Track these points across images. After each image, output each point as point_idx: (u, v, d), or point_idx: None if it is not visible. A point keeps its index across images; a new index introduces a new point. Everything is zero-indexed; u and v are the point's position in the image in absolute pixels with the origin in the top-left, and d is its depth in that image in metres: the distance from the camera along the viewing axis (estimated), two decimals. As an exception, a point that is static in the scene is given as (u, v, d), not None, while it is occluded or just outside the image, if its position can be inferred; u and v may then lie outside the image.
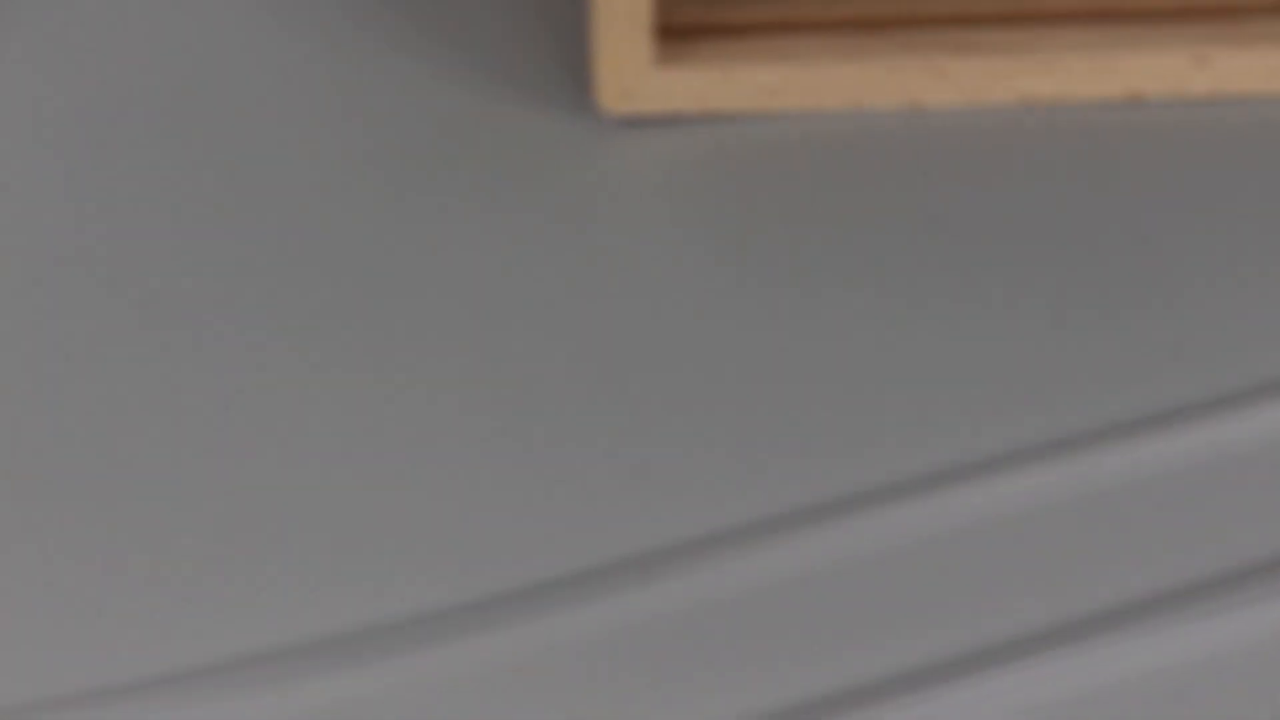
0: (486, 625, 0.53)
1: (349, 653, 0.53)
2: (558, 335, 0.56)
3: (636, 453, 0.54)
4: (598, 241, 0.58)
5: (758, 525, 0.54)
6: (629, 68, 0.58)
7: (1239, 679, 0.50)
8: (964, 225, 0.58)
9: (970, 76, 0.59)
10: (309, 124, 0.61)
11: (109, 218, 0.60)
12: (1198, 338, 0.56)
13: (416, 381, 0.56)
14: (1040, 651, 0.51)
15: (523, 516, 0.53)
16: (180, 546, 0.53)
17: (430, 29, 0.63)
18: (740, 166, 0.59)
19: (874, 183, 0.59)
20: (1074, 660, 0.51)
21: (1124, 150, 0.59)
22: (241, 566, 0.52)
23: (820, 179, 0.59)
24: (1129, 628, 0.51)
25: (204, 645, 0.51)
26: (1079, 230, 0.58)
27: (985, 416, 0.54)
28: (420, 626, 0.52)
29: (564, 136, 0.59)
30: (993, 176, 0.59)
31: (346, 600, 0.53)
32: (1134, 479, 0.54)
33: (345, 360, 0.56)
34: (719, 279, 0.57)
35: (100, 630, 0.52)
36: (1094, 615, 0.52)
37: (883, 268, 0.57)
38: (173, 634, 0.51)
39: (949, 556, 0.52)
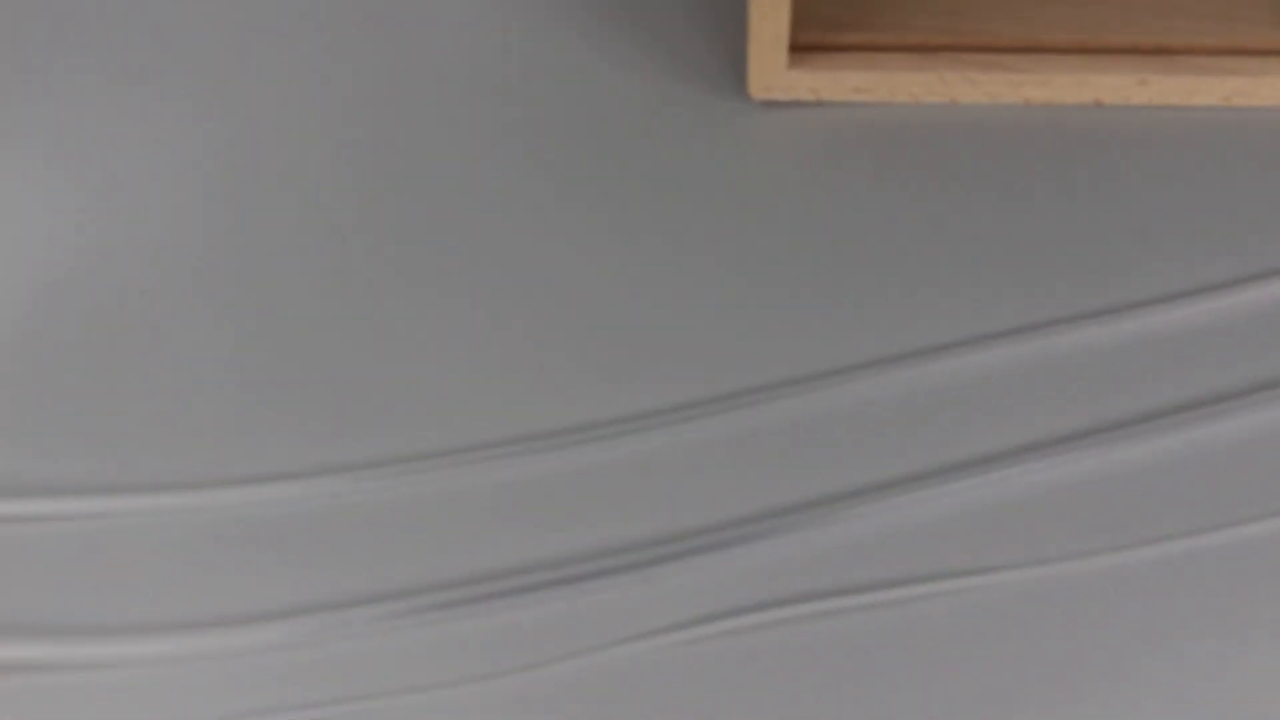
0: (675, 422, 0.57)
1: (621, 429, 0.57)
2: (712, 232, 0.61)
3: (771, 311, 0.59)
4: (745, 178, 0.63)
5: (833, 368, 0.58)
6: (769, 70, 0.62)
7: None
8: (981, 176, 0.62)
9: (992, 85, 0.63)
10: (544, 99, 0.65)
11: (423, 157, 0.64)
12: (1132, 246, 0.60)
13: (626, 264, 0.60)
14: (1010, 466, 0.55)
15: (691, 347, 0.58)
16: (540, 337, 0.58)
17: (641, 40, 0.66)
18: (838, 135, 0.63)
19: (923, 149, 0.63)
20: (1040, 469, 0.55)
21: (1088, 136, 0.63)
22: (569, 361, 0.58)
23: (889, 145, 0.63)
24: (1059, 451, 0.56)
25: (542, 414, 0.57)
26: (1054, 182, 0.62)
27: (992, 299, 0.59)
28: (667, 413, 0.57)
29: (725, 112, 0.64)
30: (1002, 149, 0.63)
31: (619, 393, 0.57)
32: (1076, 353, 0.58)
33: (553, 261, 0.61)
34: (820, 200, 0.62)
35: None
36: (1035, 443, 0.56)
37: (924, 199, 0.62)
38: (524, 401, 0.57)
39: (963, 401, 0.57)
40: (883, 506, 0.54)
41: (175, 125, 0.64)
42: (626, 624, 0.52)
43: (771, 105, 0.64)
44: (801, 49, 0.63)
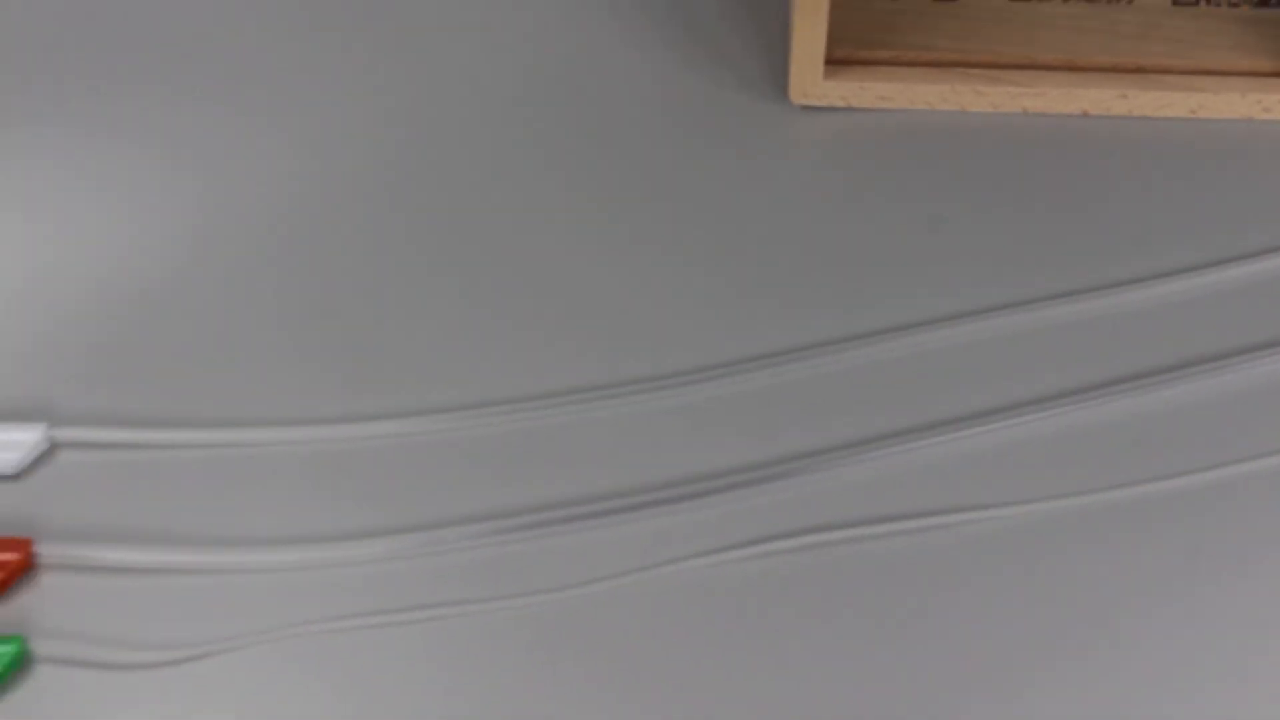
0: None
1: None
2: (758, 214, 0.61)
3: (793, 284, 0.59)
4: (785, 171, 0.63)
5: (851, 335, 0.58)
6: (808, 80, 0.64)
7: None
8: (985, 173, 0.63)
9: (995, 96, 0.64)
10: (614, 101, 0.66)
11: (513, 144, 0.65)
12: (1112, 234, 0.60)
13: (684, 238, 0.61)
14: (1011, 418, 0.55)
15: (721, 321, 0.58)
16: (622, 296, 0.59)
17: (698, 54, 0.67)
18: (865, 136, 0.64)
19: (935, 148, 0.64)
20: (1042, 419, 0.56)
21: (1076, 141, 0.64)
22: (628, 335, 0.58)
23: (907, 145, 0.64)
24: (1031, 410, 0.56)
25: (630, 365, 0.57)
26: (1046, 179, 0.62)
27: (994, 276, 0.59)
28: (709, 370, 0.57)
29: (770, 114, 0.65)
30: (1003, 150, 0.63)
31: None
32: (1035, 329, 0.58)
33: (627, 234, 0.61)
34: (849, 189, 0.62)
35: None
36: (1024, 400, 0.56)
37: (936, 190, 0.62)
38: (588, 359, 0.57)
39: (965, 361, 0.58)
40: (903, 449, 0.55)
41: (267, 130, 0.65)
42: (682, 545, 0.53)
43: (809, 110, 0.65)
44: (835, 63, 0.65)
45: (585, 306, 0.59)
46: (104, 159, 0.64)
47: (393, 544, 0.53)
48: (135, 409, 0.56)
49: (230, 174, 0.64)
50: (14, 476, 0.54)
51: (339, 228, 0.62)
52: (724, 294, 0.59)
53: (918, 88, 0.64)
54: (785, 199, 0.62)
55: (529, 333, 0.58)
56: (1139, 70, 0.64)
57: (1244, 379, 0.56)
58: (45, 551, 0.52)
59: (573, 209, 0.62)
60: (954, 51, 0.64)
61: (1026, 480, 0.54)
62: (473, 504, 0.54)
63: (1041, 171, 0.63)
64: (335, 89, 0.67)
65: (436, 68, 0.67)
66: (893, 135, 0.64)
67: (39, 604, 0.52)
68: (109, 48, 0.68)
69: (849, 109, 0.65)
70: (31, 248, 0.61)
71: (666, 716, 0.49)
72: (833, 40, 0.63)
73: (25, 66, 0.67)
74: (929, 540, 0.53)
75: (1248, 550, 0.52)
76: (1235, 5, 0.64)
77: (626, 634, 0.51)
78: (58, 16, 0.69)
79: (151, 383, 0.57)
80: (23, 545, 0.52)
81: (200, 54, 0.68)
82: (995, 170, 0.63)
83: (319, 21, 0.69)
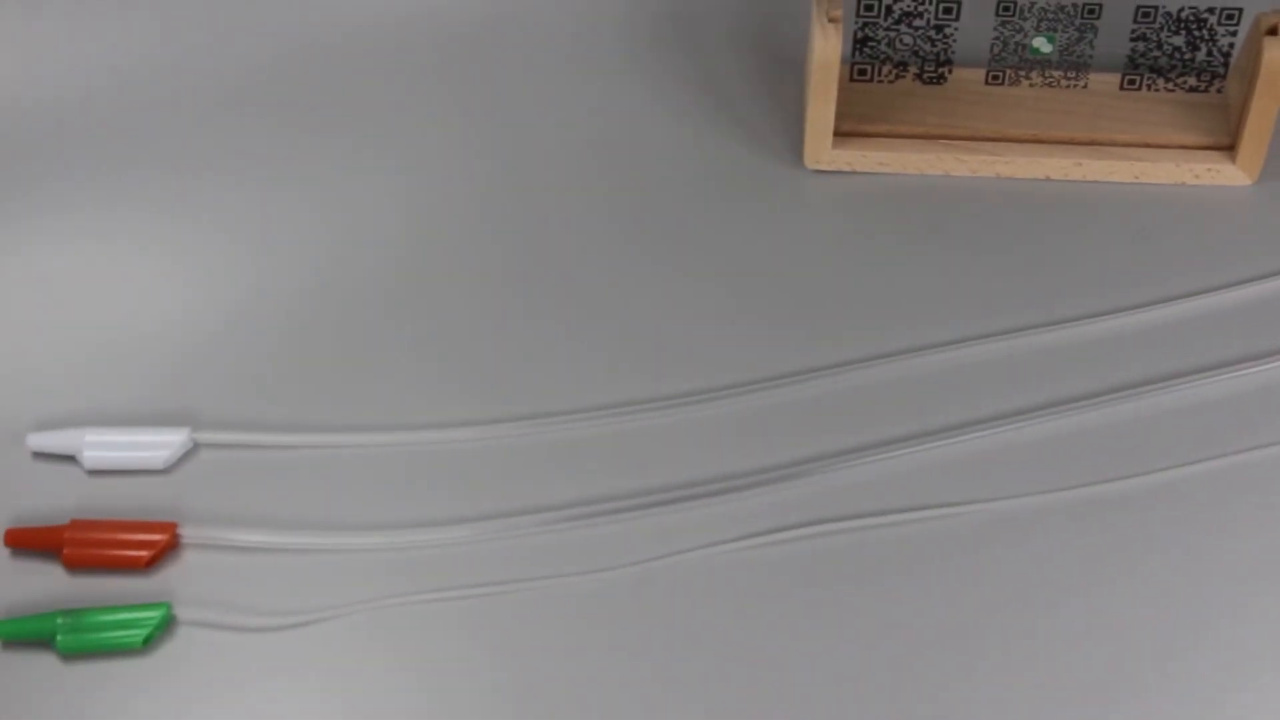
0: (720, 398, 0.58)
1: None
2: (777, 258, 0.62)
3: (808, 319, 0.60)
4: (800, 224, 0.64)
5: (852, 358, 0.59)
6: (819, 148, 0.65)
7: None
8: (965, 226, 0.63)
9: (974, 163, 0.65)
10: (654, 167, 0.66)
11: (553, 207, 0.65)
12: (1068, 276, 0.61)
13: (711, 280, 0.62)
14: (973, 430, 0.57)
15: (731, 347, 0.59)
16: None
17: (726, 126, 0.66)
18: (866, 194, 0.65)
19: (925, 206, 0.64)
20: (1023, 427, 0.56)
21: (1039, 200, 0.64)
22: (633, 352, 0.59)
23: (902, 203, 0.65)
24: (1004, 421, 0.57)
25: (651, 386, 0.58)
26: (1014, 231, 0.63)
27: (971, 312, 0.60)
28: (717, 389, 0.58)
29: (788, 177, 0.65)
30: (980, 207, 0.64)
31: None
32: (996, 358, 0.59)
33: (673, 273, 0.61)
34: (852, 236, 0.63)
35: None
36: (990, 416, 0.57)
37: (925, 240, 0.63)
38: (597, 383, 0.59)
39: (950, 381, 0.58)
40: (903, 452, 0.56)
41: (383, 180, 0.66)
42: (714, 532, 0.54)
43: (820, 173, 0.67)
44: (842, 134, 0.66)
45: (640, 334, 0.60)
46: (237, 200, 0.64)
47: (476, 529, 0.54)
48: (263, 416, 0.57)
49: (347, 217, 0.64)
50: (163, 471, 0.56)
51: (437, 268, 0.62)
52: (749, 322, 0.61)
53: (909, 155, 0.66)
54: (801, 244, 0.64)
55: (593, 355, 0.59)
56: (1092, 143, 0.66)
57: (1179, 398, 0.57)
58: (188, 533, 0.54)
59: (630, 254, 0.64)
60: (940, 126, 0.66)
61: (1008, 479, 0.55)
62: (543, 496, 0.55)
63: (1011, 224, 0.64)
64: (441, 149, 0.67)
65: (520, 135, 0.67)
66: (889, 194, 0.65)
67: (182, 576, 0.54)
68: (241, 108, 0.68)
69: (853, 173, 0.66)
70: (175, 286, 0.61)
71: (710, 668, 0.51)
72: (840, 117, 0.65)
73: (164, 121, 0.66)
74: (922, 528, 0.54)
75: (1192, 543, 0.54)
76: (1171, 91, 0.65)
77: (674, 605, 0.52)
78: (198, 74, 0.68)
79: (276, 395, 0.58)
80: (169, 528, 0.54)
81: (329, 113, 0.67)
82: (973, 224, 0.64)
83: (433, 90, 0.68)
